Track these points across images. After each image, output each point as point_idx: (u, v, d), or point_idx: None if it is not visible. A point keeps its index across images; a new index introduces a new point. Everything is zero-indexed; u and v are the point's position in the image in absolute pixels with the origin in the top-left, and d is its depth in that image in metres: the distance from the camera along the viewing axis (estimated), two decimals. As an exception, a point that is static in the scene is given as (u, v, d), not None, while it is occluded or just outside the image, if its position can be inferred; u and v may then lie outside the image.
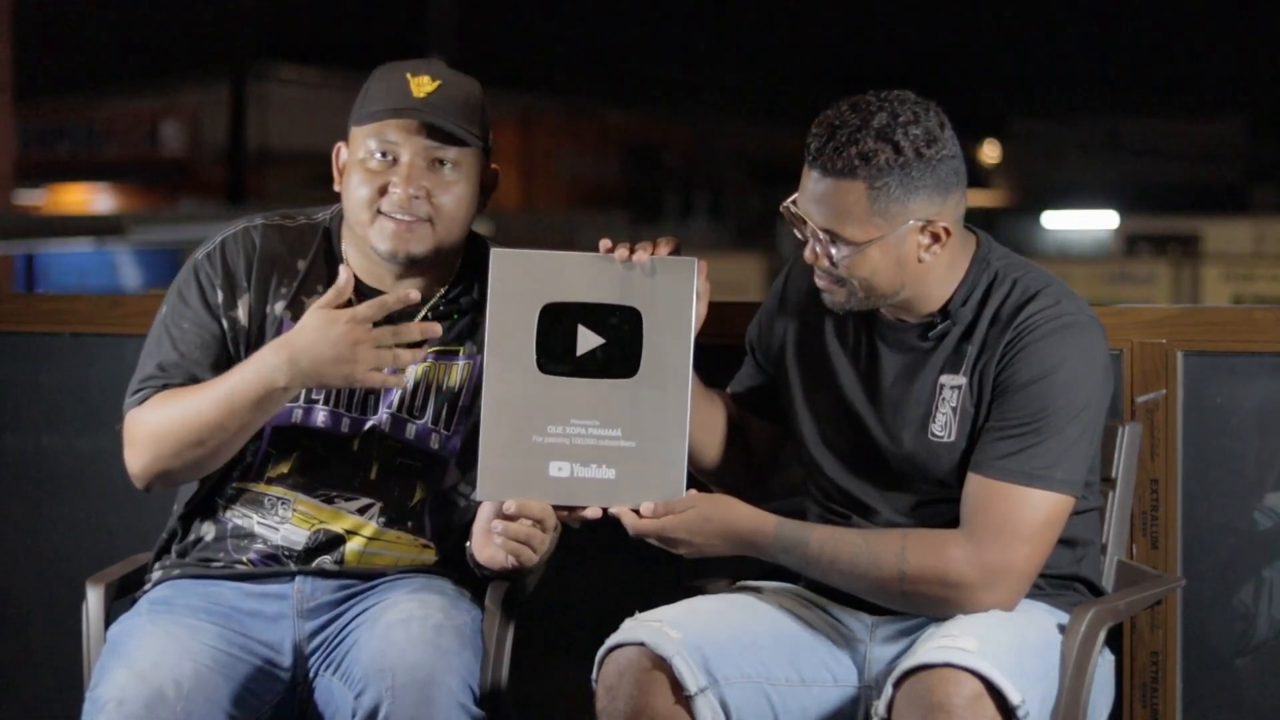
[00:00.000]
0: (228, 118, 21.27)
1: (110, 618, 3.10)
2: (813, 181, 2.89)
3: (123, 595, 3.16)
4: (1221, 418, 3.47)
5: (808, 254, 2.94)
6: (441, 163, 3.04)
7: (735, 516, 2.95)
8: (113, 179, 24.29)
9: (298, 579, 3.09)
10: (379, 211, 3.03)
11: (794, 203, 2.93)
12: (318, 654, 3.07)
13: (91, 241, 17.09)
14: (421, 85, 3.03)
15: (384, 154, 3.03)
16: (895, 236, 2.88)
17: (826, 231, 2.88)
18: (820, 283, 2.96)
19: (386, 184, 3.02)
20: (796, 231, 2.95)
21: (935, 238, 2.90)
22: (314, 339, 2.94)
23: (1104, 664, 3.00)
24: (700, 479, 3.04)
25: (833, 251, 2.89)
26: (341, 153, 3.11)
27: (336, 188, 3.11)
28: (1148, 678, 3.45)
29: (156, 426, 3.02)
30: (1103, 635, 2.91)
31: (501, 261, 2.94)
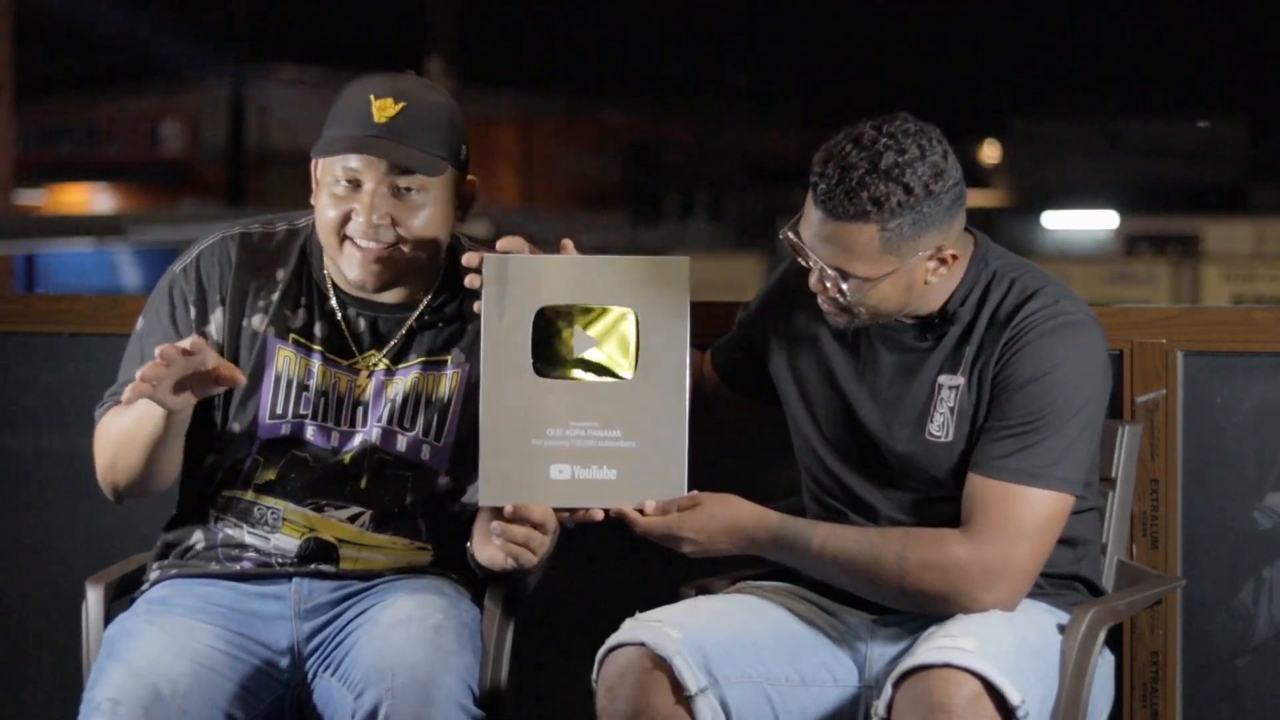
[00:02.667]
0: (228, 118, 21.26)
1: (109, 618, 3.10)
2: (820, 222, 2.86)
3: (122, 595, 3.17)
4: (1221, 418, 3.47)
5: (814, 283, 2.93)
6: (406, 188, 3.01)
7: (738, 514, 2.95)
8: (113, 179, 24.29)
9: (295, 580, 3.09)
10: (345, 237, 3.01)
11: (796, 231, 2.91)
12: (316, 655, 3.07)
13: (91, 241, 17.09)
14: (384, 109, 2.98)
15: (348, 180, 3.00)
16: (906, 268, 2.87)
17: (836, 270, 2.88)
18: (825, 306, 2.95)
19: (351, 210, 3.00)
20: (800, 259, 2.94)
21: (942, 262, 2.90)
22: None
23: (1104, 664, 3.01)
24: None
25: (843, 286, 2.88)
26: (319, 165, 3.08)
27: (313, 200, 3.09)
28: (1148, 678, 3.45)
29: (101, 440, 3.07)
30: (1103, 635, 2.91)
31: (494, 266, 2.94)
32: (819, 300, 2.96)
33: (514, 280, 2.93)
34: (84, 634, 3.13)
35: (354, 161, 2.99)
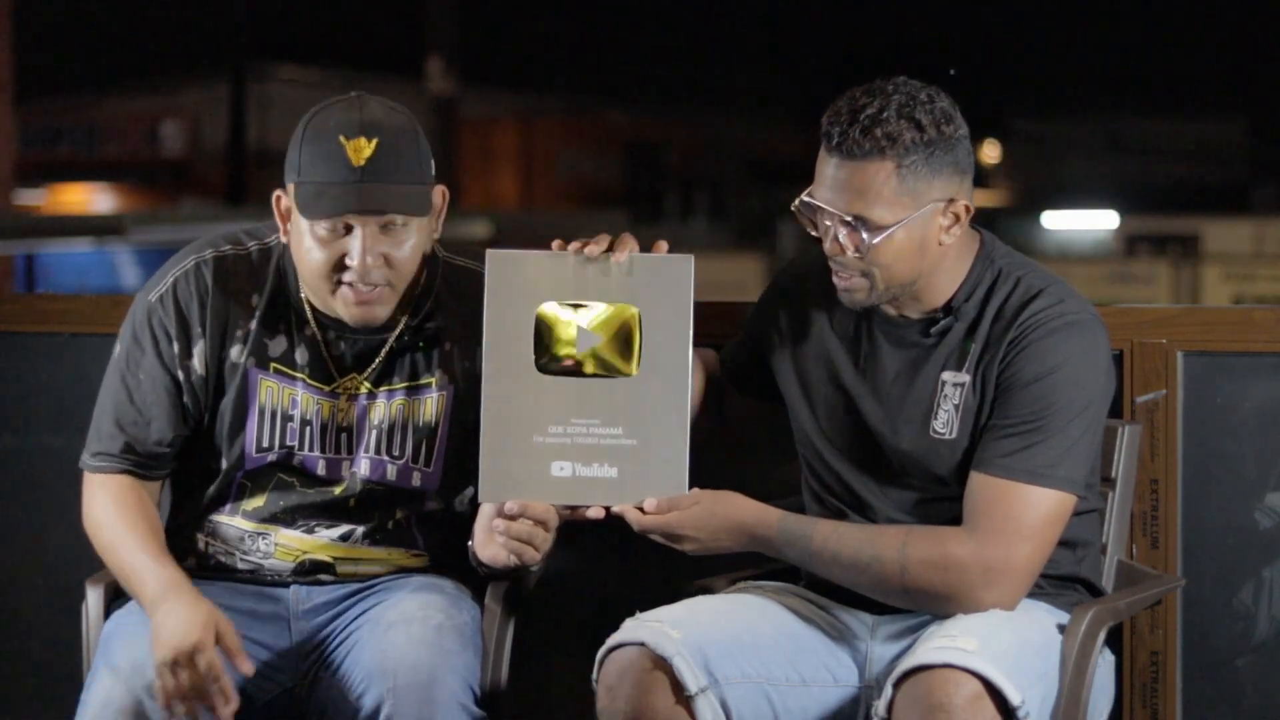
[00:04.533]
0: (228, 118, 21.25)
1: (109, 617, 3.09)
2: (835, 168, 2.88)
3: (122, 595, 3.15)
4: (1221, 418, 3.46)
5: (829, 246, 2.92)
6: (394, 223, 2.96)
7: (739, 511, 2.95)
8: (113, 179, 24.28)
9: (293, 584, 3.09)
10: (339, 281, 2.96)
11: (808, 196, 2.92)
12: (316, 654, 3.06)
13: (91, 241, 17.10)
14: (359, 150, 2.91)
15: (333, 226, 2.94)
16: (921, 217, 2.88)
17: (854, 217, 2.88)
18: (840, 280, 2.94)
19: (342, 255, 2.94)
20: (811, 229, 2.94)
21: (955, 218, 2.91)
22: (174, 626, 2.90)
23: (1104, 664, 3.00)
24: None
25: (862, 238, 2.88)
26: (283, 200, 3.01)
27: (283, 237, 3.03)
28: (1148, 678, 3.45)
29: (91, 520, 3.07)
30: (1103, 635, 2.91)
31: (497, 263, 2.94)
32: (834, 276, 2.95)
33: (516, 277, 2.93)
34: (84, 634, 3.12)
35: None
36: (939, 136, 2.87)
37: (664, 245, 2.95)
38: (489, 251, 2.95)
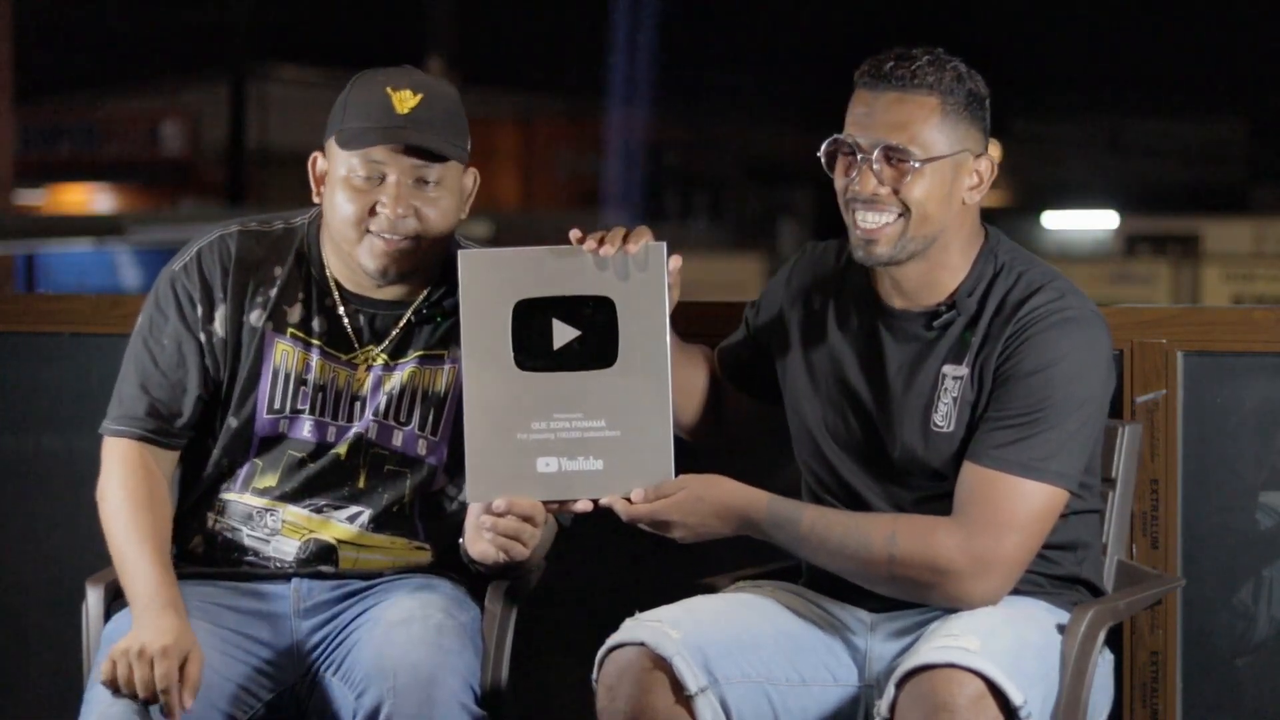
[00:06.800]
0: (228, 118, 21.27)
1: (109, 617, 3.10)
2: (878, 100, 2.92)
3: (121, 595, 3.16)
4: (1221, 418, 3.47)
5: (862, 186, 2.92)
6: (427, 180, 3.03)
7: (727, 494, 2.94)
8: (113, 179, 24.29)
9: (294, 580, 3.10)
10: (367, 230, 3.02)
11: (835, 139, 2.94)
12: (317, 654, 3.07)
13: (91, 241, 17.11)
14: (404, 101, 3.01)
15: (369, 174, 3.01)
16: (955, 160, 2.92)
17: (891, 149, 2.89)
18: (868, 225, 2.93)
19: (374, 204, 3.01)
20: (841, 174, 2.94)
21: (980, 178, 2.96)
22: (151, 638, 2.90)
23: (1104, 664, 3.01)
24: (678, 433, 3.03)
25: (903, 165, 2.90)
26: (319, 163, 3.09)
27: (316, 199, 3.11)
28: (1148, 678, 3.45)
29: (101, 508, 3.09)
30: (1103, 635, 2.91)
31: (470, 263, 2.94)
32: (858, 225, 2.94)
33: (490, 276, 2.93)
34: (84, 634, 3.13)
35: (378, 154, 3.01)
36: (977, 89, 2.95)
37: (647, 232, 2.95)
38: (460, 253, 2.95)
